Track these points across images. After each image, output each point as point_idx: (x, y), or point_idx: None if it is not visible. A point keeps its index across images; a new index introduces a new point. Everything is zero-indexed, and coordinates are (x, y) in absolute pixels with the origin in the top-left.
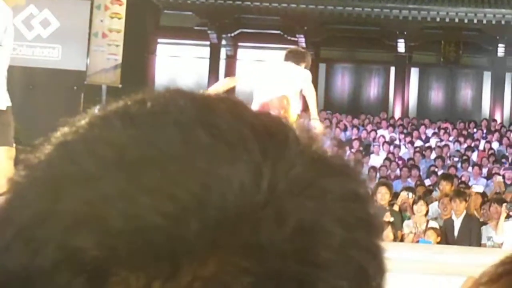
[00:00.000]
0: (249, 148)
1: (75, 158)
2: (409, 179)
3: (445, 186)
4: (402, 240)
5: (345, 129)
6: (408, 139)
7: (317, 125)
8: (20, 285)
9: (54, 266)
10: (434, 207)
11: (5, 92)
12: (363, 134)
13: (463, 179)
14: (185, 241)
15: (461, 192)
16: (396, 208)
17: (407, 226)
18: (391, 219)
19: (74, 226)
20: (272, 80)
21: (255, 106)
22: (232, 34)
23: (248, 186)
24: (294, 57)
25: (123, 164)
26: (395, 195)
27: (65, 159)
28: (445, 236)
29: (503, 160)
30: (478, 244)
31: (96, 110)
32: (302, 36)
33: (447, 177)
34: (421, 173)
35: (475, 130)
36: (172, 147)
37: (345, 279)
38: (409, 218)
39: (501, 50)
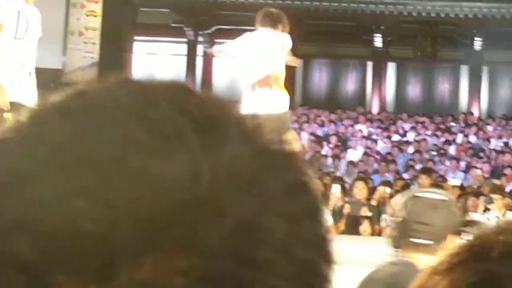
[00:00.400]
0: (187, 142)
1: (12, 158)
2: (387, 174)
3: (425, 180)
4: (380, 234)
5: (322, 124)
6: (385, 133)
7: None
8: None
9: None
10: None
11: (30, 89)
12: (341, 129)
13: (440, 173)
14: (119, 245)
15: (438, 185)
16: (374, 203)
17: (385, 220)
18: (369, 214)
19: (10, 229)
20: (258, 59)
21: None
22: (209, 31)
23: (186, 183)
24: (270, 21)
25: (58, 165)
26: (373, 190)
27: (2, 159)
28: None
29: (481, 154)
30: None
31: (39, 103)
32: None
33: (426, 171)
34: (399, 168)
35: (452, 123)
36: (108, 146)
37: (287, 279)
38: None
39: (478, 43)
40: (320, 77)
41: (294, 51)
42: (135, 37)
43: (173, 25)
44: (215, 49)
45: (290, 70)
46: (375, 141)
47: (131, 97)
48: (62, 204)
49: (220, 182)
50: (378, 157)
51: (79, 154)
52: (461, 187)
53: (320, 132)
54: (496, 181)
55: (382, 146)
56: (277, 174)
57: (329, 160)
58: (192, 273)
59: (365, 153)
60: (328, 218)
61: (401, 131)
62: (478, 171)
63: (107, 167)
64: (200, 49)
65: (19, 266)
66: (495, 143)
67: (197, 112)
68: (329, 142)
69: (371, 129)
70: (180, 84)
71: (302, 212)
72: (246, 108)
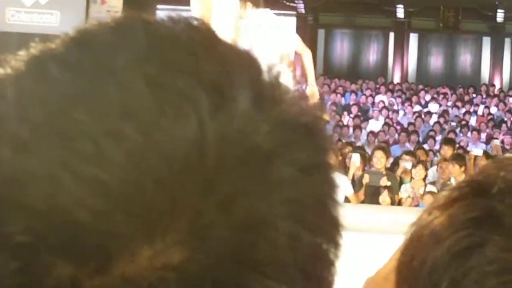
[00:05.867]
0: (195, 106)
1: (5, 120)
2: (407, 144)
3: (447, 150)
4: (400, 204)
5: (343, 95)
6: (406, 104)
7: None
8: None
9: None
10: (433, 171)
11: None
12: (362, 99)
13: (461, 144)
14: (113, 235)
15: (460, 155)
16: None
17: (405, 191)
18: (388, 183)
19: (2, 208)
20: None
21: None
22: None
23: (190, 161)
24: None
25: (52, 133)
26: (394, 161)
27: None
28: None
29: (502, 125)
30: None
31: (35, 49)
32: (301, 1)
33: (448, 141)
34: (420, 139)
35: (474, 95)
36: (108, 115)
37: (288, 284)
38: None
39: (500, 15)
40: (341, 47)
41: (316, 21)
42: (158, 6)
43: None
44: None
45: (312, 39)
46: (396, 111)
47: (140, 53)
48: (52, 181)
49: (228, 161)
50: (398, 127)
51: (76, 122)
52: (487, 156)
53: (341, 102)
54: None
55: (403, 116)
56: (291, 152)
57: (350, 130)
58: (185, 269)
59: (386, 124)
60: (348, 188)
61: (422, 102)
62: (497, 142)
63: (105, 143)
64: None
65: (15, 246)
66: None
67: (214, 69)
68: (350, 112)
69: (392, 100)
70: (207, 29)
71: (313, 197)
72: None
